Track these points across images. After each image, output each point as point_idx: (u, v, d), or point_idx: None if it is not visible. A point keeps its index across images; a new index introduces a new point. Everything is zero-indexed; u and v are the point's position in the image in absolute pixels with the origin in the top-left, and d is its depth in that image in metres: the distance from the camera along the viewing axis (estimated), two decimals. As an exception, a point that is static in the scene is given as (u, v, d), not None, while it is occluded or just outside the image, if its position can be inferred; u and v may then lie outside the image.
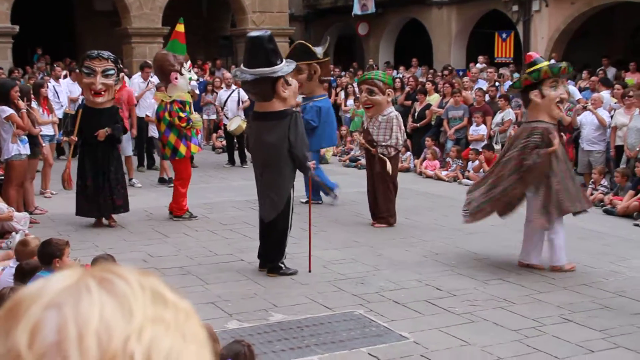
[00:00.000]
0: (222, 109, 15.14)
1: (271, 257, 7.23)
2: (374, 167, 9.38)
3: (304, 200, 10.17)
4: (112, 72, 8.96)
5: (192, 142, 9.62)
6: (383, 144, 9.25)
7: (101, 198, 8.97)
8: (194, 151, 9.83)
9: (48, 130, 11.17)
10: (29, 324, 0.71)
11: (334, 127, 11.13)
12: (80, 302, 0.72)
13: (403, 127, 9.54)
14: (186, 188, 9.70)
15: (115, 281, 0.75)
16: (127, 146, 12.03)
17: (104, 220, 9.21)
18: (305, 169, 7.27)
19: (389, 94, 9.38)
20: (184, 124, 9.39)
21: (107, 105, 9.05)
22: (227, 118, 14.68)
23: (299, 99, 10.27)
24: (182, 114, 9.42)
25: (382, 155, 9.26)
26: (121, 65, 9.87)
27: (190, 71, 9.75)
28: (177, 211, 9.62)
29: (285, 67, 7.13)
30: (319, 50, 10.49)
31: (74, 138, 9.02)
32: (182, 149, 9.46)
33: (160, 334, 0.73)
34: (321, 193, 10.49)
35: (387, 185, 9.32)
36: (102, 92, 8.93)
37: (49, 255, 5.49)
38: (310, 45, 10.75)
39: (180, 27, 9.69)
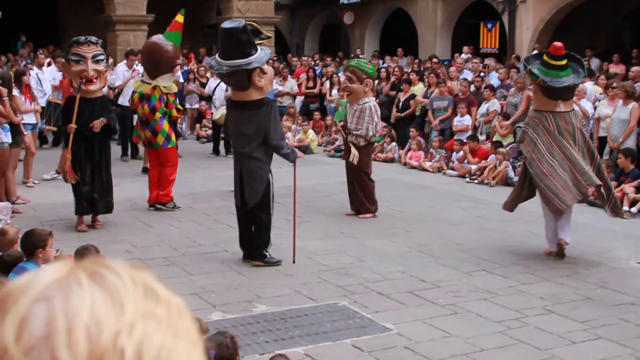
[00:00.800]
0: (211, 97, 15.09)
1: (255, 245, 7.23)
2: (348, 155, 9.45)
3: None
4: (102, 57, 8.53)
5: (173, 133, 9.96)
6: (354, 132, 9.27)
7: (98, 194, 8.51)
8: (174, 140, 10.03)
9: (30, 118, 11.06)
10: (16, 317, 0.69)
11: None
12: (70, 295, 0.71)
13: (377, 119, 9.43)
14: (175, 175, 9.78)
15: (107, 275, 0.74)
16: None
17: (85, 220, 8.61)
18: (285, 155, 7.33)
19: (367, 84, 9.34)
20: (180, 116, 9.69)
21: (98, 93, 8.64)
22: (214, 107, 14.63)
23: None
24: (179, 106, 9.87)
25: (351, 144, 9.29)
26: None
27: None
28: (164, 197, 9.60)
29: (260, 56, 7.14)
30: None
31: (73, 126, 8.38)
32: (174, 137, 9.80)
33: (152, 330, 0.71)
34: None
35: (361, 175, 9.32)
36: (94, 79, 8.44)
37: (31, 246, 5.44)
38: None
39: (180, 18, 9.72)
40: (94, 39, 8.58)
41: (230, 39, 7.08)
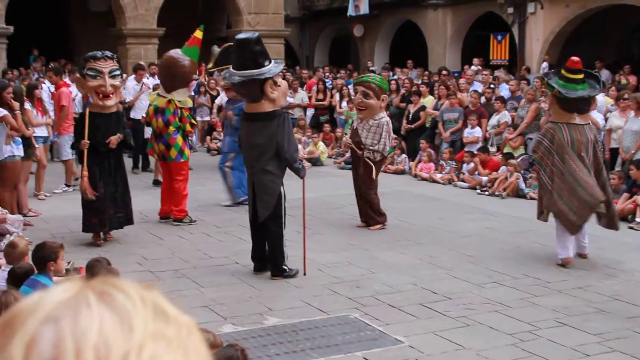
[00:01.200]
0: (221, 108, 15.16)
1: (272, 260, 7.22)
2: (358, 169, 9.41)
3: (226, 204, 10.53)
4: (118, 72, 8.44)
5: (187, 147, 9.93)
6: (370, 148, 9.25)
7: (112, 210, 8.36)
8: (188, 155, 9.98)
9: (42, 131, 11.11)
10: (24, 338, 0.69)
11: None
12: (79, 315, 0.70)
13: (392, 134, 9.56)
14: (187, 190, 9.81)
15: (116, 295, 0.73)
16: (66, 149, 11.54)
17: (102, 235, 8.52)
18: (296, 170, 7.29)
19: (383, 99, 9.39)
20: (194, 130, 9.71)
21: (113, 109, 8.52)
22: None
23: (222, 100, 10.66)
24: (193, 121, 9.88)
25: (367, 160, 9.27)
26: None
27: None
28: (178, 214, 9.56)
29: (273, 68, 7.15)
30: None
31: (86, 142, 8.24)
32: (187, 151, 9.82)
33: (161, 351, 0.71)
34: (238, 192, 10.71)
35: (371, 189, 9.33)
36: (111, 95, 8.33)
37: (43, 259, 5.46)
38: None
39: (199, 34, 9.79)
40: (109, 53, 8.52)
41: (244, 50, 7.11)
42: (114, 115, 8.49)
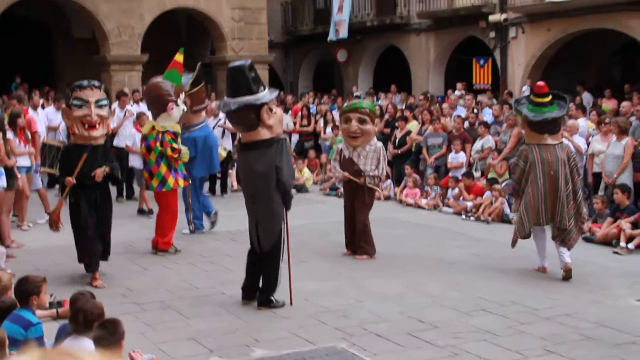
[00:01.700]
0: None
1: (264, 290, 7.17)
2: (356, 198, 9.30)
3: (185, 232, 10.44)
4: (105, 102, 8.12)
5: (180, 176, 9.57)
6: (371, 174, 9.22)
7: (100, 246, 8.09)
8: (181, 184, 9.67)
9: (24, 161, 11.00)
10: None
11: (212, 154, 10.88)
12: None
13: (387, 157, 9.61)
14: (175, 224, 9.58)
15: None
16: (37, 177, 11.44)
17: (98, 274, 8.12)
18: (289, 199, 7.22)
19: (376, 124, 9.47)
20: (176, 155, 9.36)
21: (100, 140, 8.13)
22: None
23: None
24: (175, 145, 9.41)
25: (371, 186, 9.24)
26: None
27: (184, 102, 9.75)
28: (163, 245, 9.45)
29: (267, 94, 7.12)
30: (184, 81, 10.02)
31: (72, 180, 7.92)
32: (171, 180, 9.41)
33: None
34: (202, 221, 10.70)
35: (366, 216, 9.28)
36: (97, 125, 8.00)
37: (25, 293, 5.40)
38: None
39: (180, 57, 9.63)
40: (97, 83, 8.26)
41: (237, 77, 7.06)
42: (101, 147, 8.16)
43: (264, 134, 7.08)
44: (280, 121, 7.40)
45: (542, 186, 8.18)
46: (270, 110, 7.15)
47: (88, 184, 7.96)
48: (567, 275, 8.12)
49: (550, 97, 8.31)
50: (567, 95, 8.63)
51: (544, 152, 8.19)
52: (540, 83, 8.55)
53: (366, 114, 9.19)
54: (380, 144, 9.49)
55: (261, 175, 7.05)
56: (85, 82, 8.11)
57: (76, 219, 8.00)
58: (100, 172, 7.95)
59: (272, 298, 7.16)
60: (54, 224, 8.34)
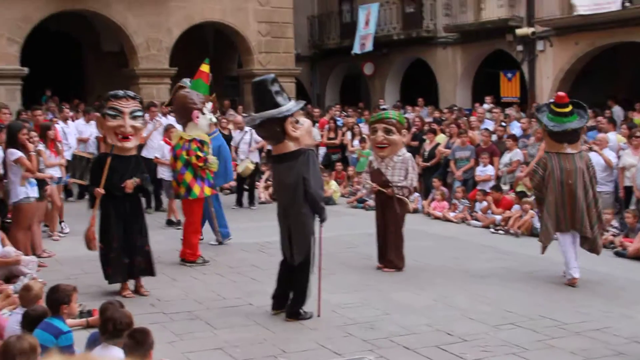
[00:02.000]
0: (237, 149, 15.18)
1: (293, 303, 7.17)
2: (386, 209, 9.27)
3: (212, 243, 10.43)
4: (139, 113, 8.02)
5: (206, 184, 9.58)
6: (399, 184, 9.18)
7: (128, 259, 7.91)
8: (207, 193, 9.69)
9: (55, 172, 11.16)
10: None
11: (226, 164, 10.95)
12: None
13: (416, 169, 9.53)
14: (199, 234, 9.61)
15: None
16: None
17: (130, 286, 8.04)
18: (320, 209, 7.16)
19: (403, 134, 9.38)
20: (201, 164, 9.37)
21: (133, 152, 8.08)
22: (239, 160, 14.72)
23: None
24: (200, 153, 9.41)
25: (400, 196, 9.19)
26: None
27: (211, 112, 9.76)
28: (190, 256, 9.50)
29: (291, 106, 7.13)
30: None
31: (101, 191, 7.88)
32: (196, 189, 9.43)
33: None
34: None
35: (399, 229, 9.23)
36: (130, 137, 7.92)
37: (56, 302, 5.46)
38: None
39: (205, 67, 9.73)
40: (132, 93, 8.16)
41: (261, 91, 7.12)
42: (133, 158, 8.08)
43: (290, 146, 7.10)
44: (308, 132, 7.36)
45: (560, 194, 8.39)
46: (297, 122, 7.16)
47: (118, 195, 7.89)
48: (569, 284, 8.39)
49: (570, 107, 8.49)
50: (584, 104, 8.76)
51: (562, 161, 8.40)
52: (561, 93, 8.79)
53: (392, 124, 9.18)
54: (409, 154, 9.43)
55: (290, 187, 7.09)
56: (120, 93, 8.04)
57: (103, 230, 7.94)
58: (130, 184, 7.86)
59: (301, 310, 7.15)
60: (90, 242, 8.08)
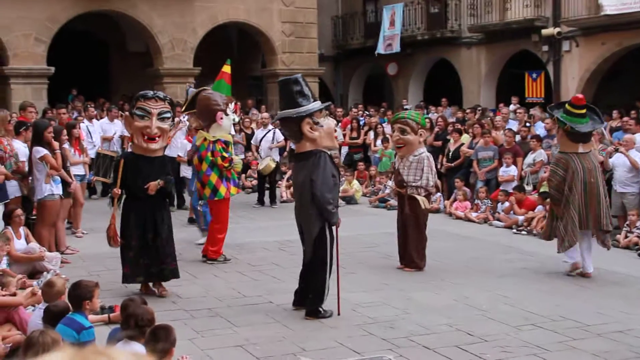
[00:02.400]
0: (257, 148, 15.24)
1: (311, 301, 7.18)
2: (404, 209, 9.29)
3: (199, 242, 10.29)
4: (168, 115, 7.81)
5: (232, 184, 9.65)
6: (413, 184, 9.16)
7: (147, 260, 7.77)
8: (233, 193, 9.76)
9: (79, 170, 11.31)
10: None
11: None
12: None
13: (434, 169, 9.42)
14: (224, 233, 9.65)
15: None
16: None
17: (152, 286, 7.96)
18: (328, 213, 6.99)
19: (421, 134, 9.30)
20: (226, 164, 9.43)
21: (159, 153, 7.92)
22: (260, 158, 14.78)
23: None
24: (225, 154, 9.45)
25: (414, 195, 9.15)
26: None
27: (234, 112, 9.81)
28: (213, 254, 9.56)
29: (310, 106, 7.12)
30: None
31: (117, 191, 7.79)
32: (222, 189, 9.46)
33: None
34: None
35: (419, 228, 9.20)
36: (157, 138, 7.75)
37: (79, 298, 5.52)
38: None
39: (227, 68, 9.78)
40: (162, 94, 8.01)
41: (283, 90, 7.25)
42: (158, 160, 7.87)
43: (307, 146, 7.14)
44: (328, 134, 7.25)
45: (583, 193, 8.57)
46: (316, 123, 7.13)
47: (141, 196, 7.74)
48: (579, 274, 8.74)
49: (584, 110, 8.75)
50: (595, 107, 9.13)
51: (583, 161, 8.63)
52: (580, 95, 9.12)
53: (407, 124, 9.20)
54: (426, 154, 9.33)
55: (299, 187, 7.24)
56: (150, 93, 7.90)
57: (123, 227, 7.86)
58: (153, 186, 7.68)
59: (320, 309, 7.16)
60: (111, 239, 8.01)
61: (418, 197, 9.13)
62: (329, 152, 7.30)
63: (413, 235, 9.15)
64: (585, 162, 8.63)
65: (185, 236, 10.92)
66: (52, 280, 6.17)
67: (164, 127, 7.76)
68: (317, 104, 7.25)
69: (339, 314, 7.20)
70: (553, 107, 9.46)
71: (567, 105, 8.87)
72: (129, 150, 9.09)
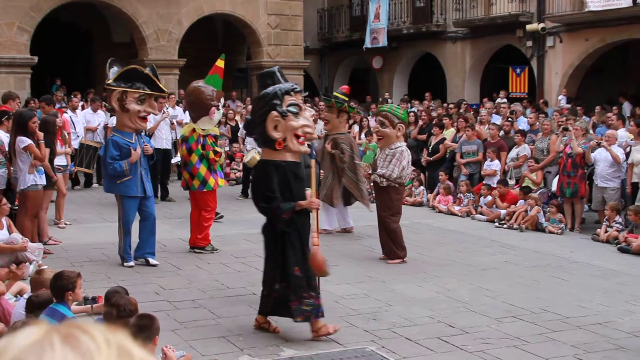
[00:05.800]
0: (244, 140, 15.24)
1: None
2: (378, 201, 9.43)
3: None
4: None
5: (219, 176, 9.80)
6: (377, 173, 9.28)
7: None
8: (221, 184, 9.91)
9: (61, 160, 11.23)
10: None
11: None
12: (43, 358, 0.72)
13: (406, 163, 9.27)
14: (213, 218, 9.84)
15: (80, 337, 0.75)
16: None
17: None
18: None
19: (399, 129, 9.33)
20: (217, 159, 9.58)
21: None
22: (246, 150, 14.76)
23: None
24: (218, 149, 9.69)
25: (374, 180, 9.30)
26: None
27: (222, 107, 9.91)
28: (202, 241, 9.62)
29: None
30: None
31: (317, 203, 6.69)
32: (211, 181, 9.62)
33: None
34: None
35: (390, 218, 9.27)
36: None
37: (61, 288, 5.51)
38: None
39: (221, 63, 9.85)
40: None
41: (260, 85, 7.12)
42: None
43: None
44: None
45: None
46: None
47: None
48: None
49: None
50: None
51: None
52: None
53: (386, 117, 9.29)
54: (402, 148, 9.32)
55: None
56: (289, 84, 6.57)
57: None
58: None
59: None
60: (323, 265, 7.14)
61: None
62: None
63: (385, 225, 9.26)
64: None
65: (169, 228, 10.91)
66: (43, 269, 6.17)
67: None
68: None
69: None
70: None
71: None
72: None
